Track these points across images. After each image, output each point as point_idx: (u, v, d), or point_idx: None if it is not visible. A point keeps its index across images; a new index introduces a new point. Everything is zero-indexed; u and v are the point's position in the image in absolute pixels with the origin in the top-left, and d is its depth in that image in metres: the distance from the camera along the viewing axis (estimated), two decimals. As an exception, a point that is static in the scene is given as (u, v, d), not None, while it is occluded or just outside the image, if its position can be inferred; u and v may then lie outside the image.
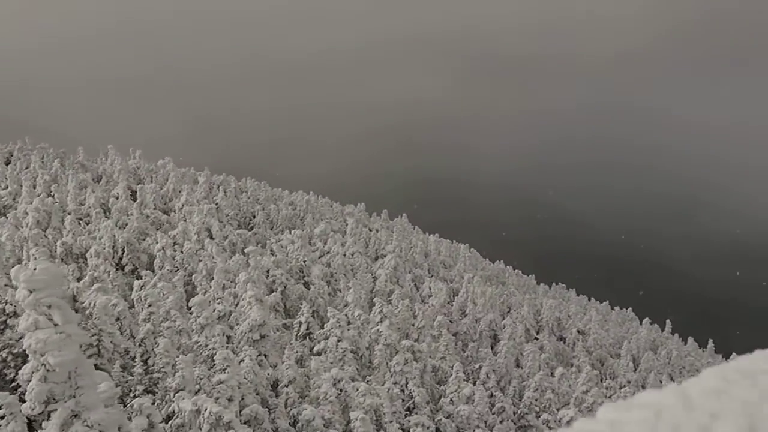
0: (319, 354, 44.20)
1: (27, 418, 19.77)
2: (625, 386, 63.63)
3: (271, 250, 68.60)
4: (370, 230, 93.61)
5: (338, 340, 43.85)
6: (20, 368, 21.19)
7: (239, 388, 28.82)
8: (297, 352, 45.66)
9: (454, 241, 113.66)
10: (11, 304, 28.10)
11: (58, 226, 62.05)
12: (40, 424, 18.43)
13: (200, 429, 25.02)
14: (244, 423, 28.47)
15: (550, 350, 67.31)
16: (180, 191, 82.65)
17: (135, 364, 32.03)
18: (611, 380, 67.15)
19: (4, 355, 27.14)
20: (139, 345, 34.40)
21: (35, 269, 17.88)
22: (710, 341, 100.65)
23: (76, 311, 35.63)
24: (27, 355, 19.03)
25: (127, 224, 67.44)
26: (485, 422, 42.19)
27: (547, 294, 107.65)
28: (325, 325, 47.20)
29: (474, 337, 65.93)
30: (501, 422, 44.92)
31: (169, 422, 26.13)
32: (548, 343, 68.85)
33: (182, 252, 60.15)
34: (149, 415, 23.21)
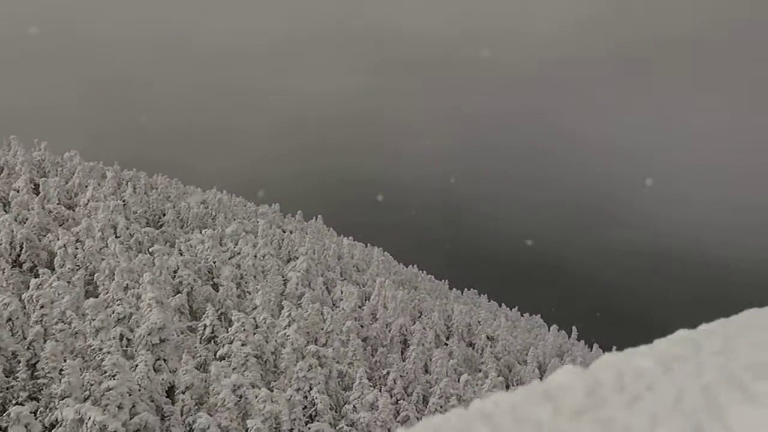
0: (222, 359, 43.12)
1: None
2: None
3: (180, 250, 66.79)
4: (284, 231, 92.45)
5: (242, 344, 42.96)
6: None
7: (130, 395, 27.67)
8: (200, 356, 44.52)
9: (369, 244, 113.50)
10: None
11: (-51, 219, 58.60)
12: None
13: (84, 439, 23.84)
14: (134, 432, 27.35)
15: (459, 356, 67.95)
16: (86, 186, 79.38)
17: (20, 368, 30.37)
18: (517, 386, 68.44)
19: None
20: (27, 348, 32.70)
21: None
22: (614, 348, 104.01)
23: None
24: None
25: (27, 219, 64.33)
26: (388, 430, 42.08)
27: (458, 299, 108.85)
28: (229, 329, 46.22)
29: (384, 342, 65.91)
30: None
31: None
32: (457, 348, 69.52)
33: (83, 250, 57.79)
34: (27, 425, 21.97)
